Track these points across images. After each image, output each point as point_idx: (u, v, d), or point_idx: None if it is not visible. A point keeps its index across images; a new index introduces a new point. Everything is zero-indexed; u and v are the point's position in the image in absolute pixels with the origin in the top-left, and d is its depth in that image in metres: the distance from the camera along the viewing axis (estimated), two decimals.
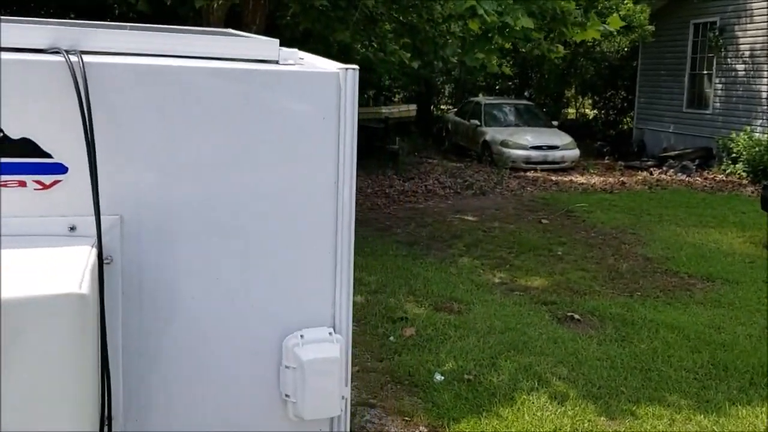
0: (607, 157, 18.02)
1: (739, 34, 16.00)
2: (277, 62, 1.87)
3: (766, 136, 14.71)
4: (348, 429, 1.99)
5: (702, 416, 4.78)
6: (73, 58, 1.63)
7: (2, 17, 1.89)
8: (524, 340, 5.98)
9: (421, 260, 8.43)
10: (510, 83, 25.06)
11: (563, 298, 7.16)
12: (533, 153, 16.19)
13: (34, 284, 1.34)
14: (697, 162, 15.98)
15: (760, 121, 15.22)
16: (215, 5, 10.56)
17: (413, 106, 20.29)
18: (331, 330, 1.90)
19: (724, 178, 14.84)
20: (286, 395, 1.85)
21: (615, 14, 11.24)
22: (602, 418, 4.74)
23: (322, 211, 1.86)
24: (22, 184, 1.64)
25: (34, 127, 1.63)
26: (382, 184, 13.63)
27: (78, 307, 1.30)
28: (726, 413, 4.84)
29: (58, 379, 1.32)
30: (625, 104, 22.22)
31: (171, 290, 1.76)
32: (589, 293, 7.35)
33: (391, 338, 6.02)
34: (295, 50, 1.90)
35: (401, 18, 11.21)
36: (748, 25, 15.76)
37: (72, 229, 1.66)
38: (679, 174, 15.43)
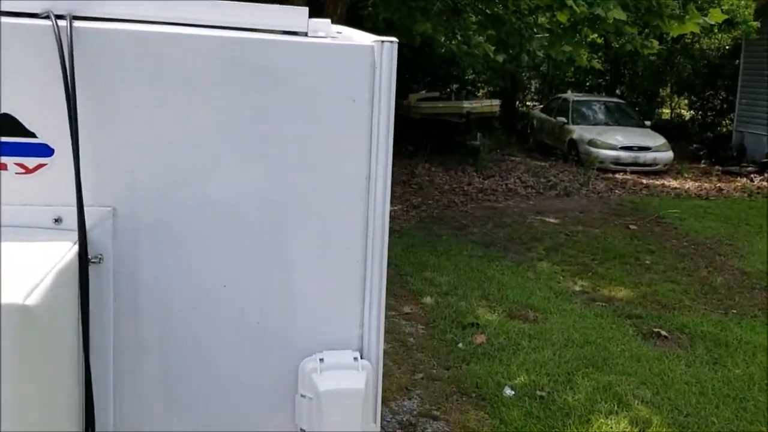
0: (703, 161, 16.98)
1: None
2: (306, 34, 1.58)
3: None
4: None
5: None
6: (62, 23, 1.38)
7: None
8: (604, 356, 5.53)
9: (497, 263, 8.04)
10: (601, 80, 24.15)
11: (650, 311, 6.63)
12: (623, 154, 15.43)
13: None
14: None
15: None
16: None
17: (497, 102, 19.75)
18: (358, 354, 1.59)
19: None
20: (302, 429, 1.56)
21: (716, 8, 10.45)
22: None
23: (350, 211, 1.56)
24: (2, 167, 1.41)
25: (17, 102, 1.39)
26: (460, 180, 13.23)
27: (18, 321, 1.04)
28: None
29: None
30: (725, 105, 20.98)
31: (171, 298, 1.50)
32: (678, 308, 6.79)
33: (460, 345, 5.70)
34: (328, 21, 1.61)
35: (486, 9, 10.79)
36: None
37: (57, 221, 1.42)
38: None
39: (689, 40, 20.28)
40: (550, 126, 17.80)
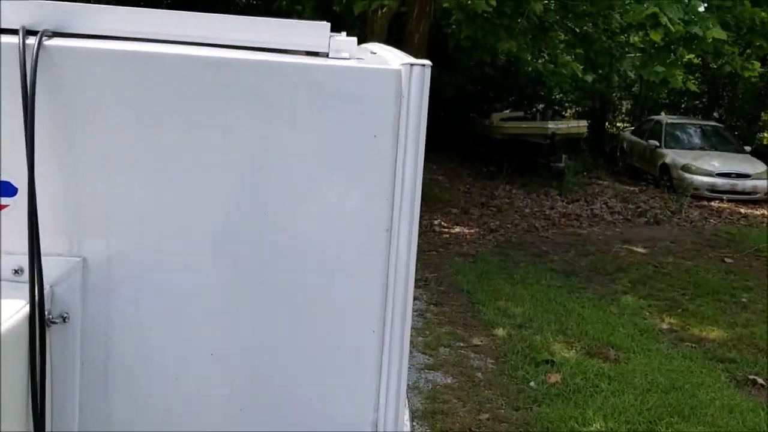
0: None
1: None
2: (327, 55, 1.33)
3: None
4: None
5: None
6: (30, 41, 1.18)
7: None
8: (692, 405, 5.04)
9: (578, 294, 7.58)
10: (697, 102, 23.11)
11: (745, 356, 6.06)
12: (719, 180, 14.56)
13: None
14: None
15: None
16: (379, 12, 10.35)
17: (584, 122, 19.09)
18: None
19: None
20: None
21: None
22: None
23: (366, 270, 1.29)
24: None
25: None
26: (542, 204, 12.74)
27: None
28: None
29: None
30: None
31: (148, 366, 1.27)
32: None
33: (532, 384, 5.33)
34: (353, 40, 1.36)
35: (575, 27, 10.37)
36: None
37: (17, 272, 1.21)
38: None
39: None
40: (641, 149, 17.05)
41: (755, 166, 15.13)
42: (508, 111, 18.25)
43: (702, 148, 16.07)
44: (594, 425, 4.69)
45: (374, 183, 1.29)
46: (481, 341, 6.16)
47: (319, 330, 1.32)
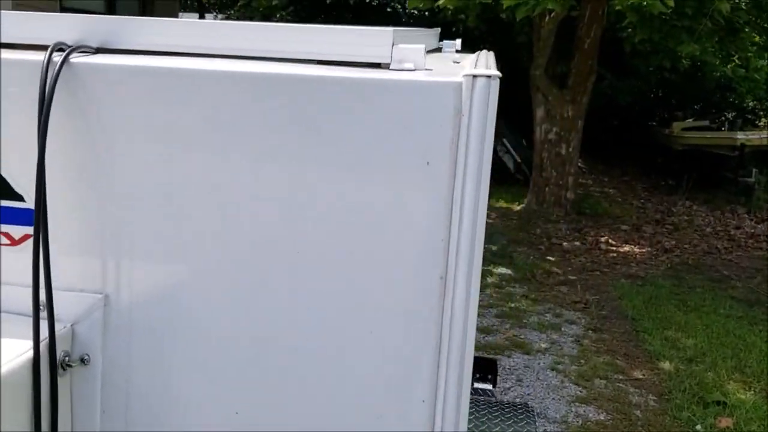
0: None
1: None
2: (388, 66, 1.14)
3: None
4: None
5: None
6: (57, 57, 1.09)
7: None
8: None
9: (761, 327, 6.74)
10: None
11: None
12: None
13: None
14: None
15: None
16: (546, 18, 9.94)
17: None
18: None
19: None
20: None
21: None
22: None
23: (415, 325, 1.07)
24: None
25: (6, 156, 1.12)
26: (726, 223, 11.57)
27: None
28: None
29: None
30: None
31: (170, 416, 1.13)
32: None
33: (699, 427, 4.77)
34: (421, 48, 1.15)
35: None
36: None
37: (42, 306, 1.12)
38: None
39: None
40: None
41: None
42: (690, 120, 16.89)
43: None
44: None
45: (425, 219, 1.07)
46: (644, 375, 5.62)
47: (354, 394, 1.12)
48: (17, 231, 1.16)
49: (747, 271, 8.82)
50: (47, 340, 1.04)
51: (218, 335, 1.14)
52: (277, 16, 15.31)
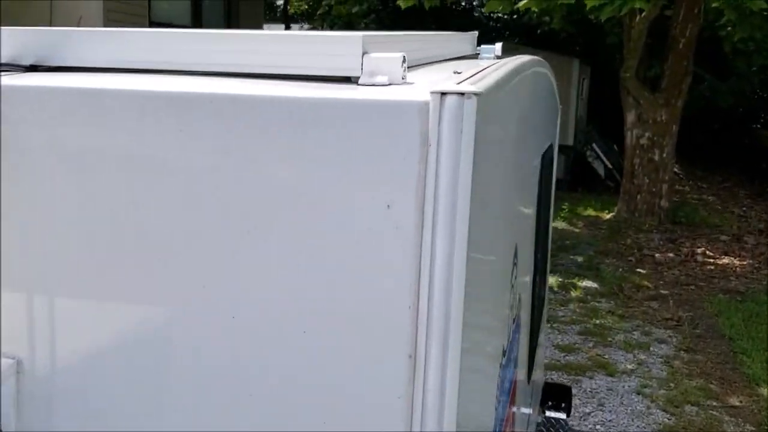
0: None
1: None
2: (357, 80, 0.92)
3: None
4: None
5: None
6: None
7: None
8: None
9: None
10: None
11: None
12: None
13: None
14: None
15: None
16: (637, 17, 9.43)
17: None
18: None
19: None
20: None
21: None
22: None
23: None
24: None
25: None
26: None
27: None
28: None
29: None
30: None
31: None
32: None
33: None
34: (399, 57, 0.92)
35: None
36: None
37: None
38: None
39: None
40: None
41: None
42: None
43: None
44: None
45: (387, 281, 0.84)
46: (741, 402, 5.13)
47: None
48: None
49: None
50: None
51: (162, 404, 0.95)
52: (362, 24, 15.27)
